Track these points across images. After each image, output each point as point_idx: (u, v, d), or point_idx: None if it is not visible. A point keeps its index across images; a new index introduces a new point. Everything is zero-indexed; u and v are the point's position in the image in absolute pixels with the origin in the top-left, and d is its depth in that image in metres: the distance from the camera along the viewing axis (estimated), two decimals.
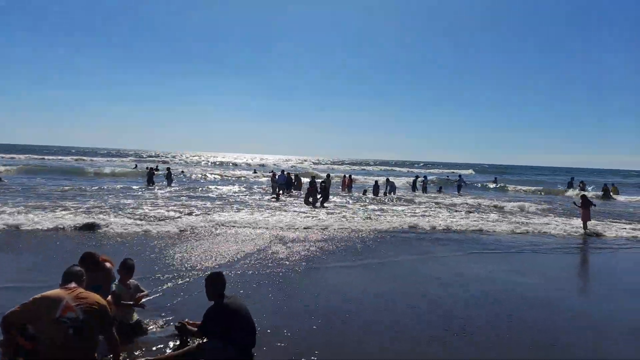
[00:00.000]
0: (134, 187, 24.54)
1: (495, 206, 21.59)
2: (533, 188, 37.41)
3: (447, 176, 47.98)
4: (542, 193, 34.36)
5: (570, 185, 34.87)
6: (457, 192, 29.84)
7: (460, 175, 33.44)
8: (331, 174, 28.55)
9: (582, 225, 14.96)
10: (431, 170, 72.88)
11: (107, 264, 5.25)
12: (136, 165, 42.78)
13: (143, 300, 5.18)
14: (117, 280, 5.06)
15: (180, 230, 11.94)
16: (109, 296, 4.77)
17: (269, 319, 5.77)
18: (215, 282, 4.34)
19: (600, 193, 30.13)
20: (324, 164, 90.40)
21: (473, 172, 75.50)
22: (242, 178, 36.95)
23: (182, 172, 41.45)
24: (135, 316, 5.18)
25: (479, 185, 40.72)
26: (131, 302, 5.00)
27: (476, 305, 6.82)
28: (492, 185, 39.58)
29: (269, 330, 5.38)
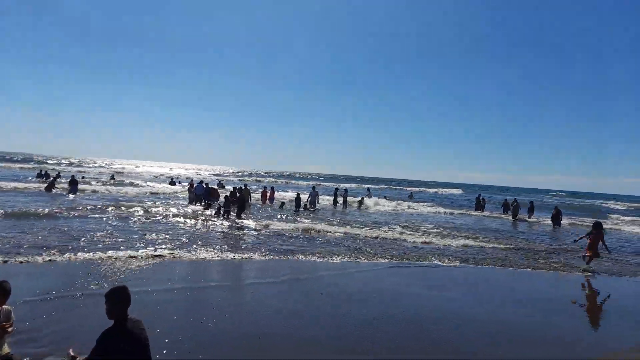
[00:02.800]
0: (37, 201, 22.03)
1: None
2: (447, 210, 33.03)
3: (367, 190, 48.84)
4: (454, 213, 31.32)
5: (477, 203, 36.24)
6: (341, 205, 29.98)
7: (340, 188, 33.52)
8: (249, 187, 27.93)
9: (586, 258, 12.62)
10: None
11: None
12: (45, 174, 36.57)
13: (9, 328, 4.37)
14: None
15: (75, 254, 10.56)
16: None
17: (173, 348, 5.26)
18: (119, 296, 3.62)
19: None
20: (250, 175, 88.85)
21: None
22: (158, 191, 31.87)
23: (83, 177, 37.75)
24: (6, 348, 4.40)
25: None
26: None
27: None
28: (383, 203, 33.57)
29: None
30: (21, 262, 9.02)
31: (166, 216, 17.51)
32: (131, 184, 35.98)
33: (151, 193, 30.10)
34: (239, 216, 18.74)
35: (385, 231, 17.22)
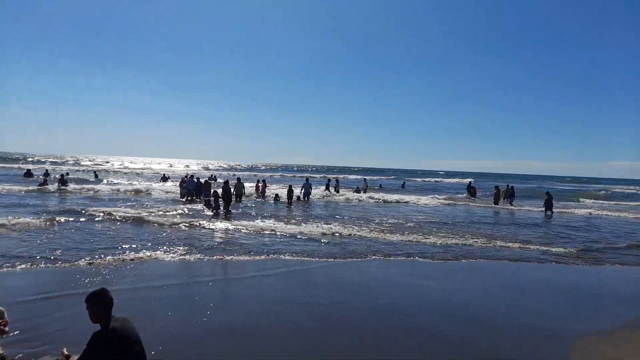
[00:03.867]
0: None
1: None
2: (435, 200, 31.57)
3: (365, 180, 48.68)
4: (439, 204, 29.64)
5: (469, 191, 35.91)
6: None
7: (332, 180, 34.41)
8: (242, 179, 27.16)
9: None
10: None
11: None
12: (29, 172, 37.63)
13: (5, 328, 4.52)
14: None
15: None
16: None
17: (168, 343, 5.49)
18: (99, 300, 3.58)
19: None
20: (243, 170, 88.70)
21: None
22: (147, 187, 29.94)
23: (67, 173, 35.49)
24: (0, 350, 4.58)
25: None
26: None
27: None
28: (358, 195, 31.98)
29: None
30: (17, 267, 9.18)
31: (153, 217, 16.68)
32: (113, 183, 34.20)
33: (140, 190, 28.53)
34: (226, 210, 18.84)
35: (371, 228, 16.13)
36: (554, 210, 25.96)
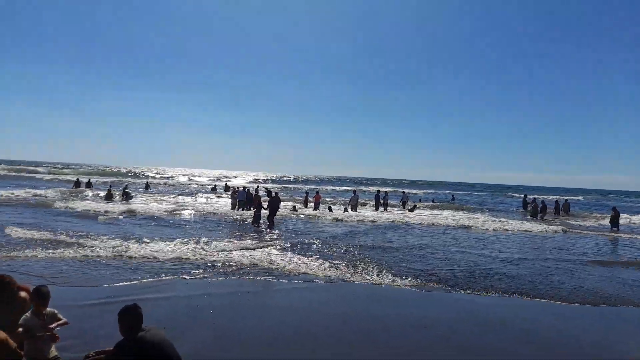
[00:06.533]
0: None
1: None
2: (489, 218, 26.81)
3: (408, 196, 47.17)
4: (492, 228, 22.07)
5: (524, 207, 33.67)
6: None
7: (381, 192, 33.12)
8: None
9: None
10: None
11: (22, 293, 4.61)
12: (78, 182, 37.06)
13: (57, 328, 4.41)
14: (29, 312, 4.36)
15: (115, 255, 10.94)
16: (19, 328, 4.12)
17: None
18: (126, 318, 3.64)
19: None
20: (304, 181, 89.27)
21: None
22: (199, 199, 30.04)
23: (127, 186, 33.63)
24: (54, 351, 4.48)
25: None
26: (42, 334, 4.28)
27: None
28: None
29: None
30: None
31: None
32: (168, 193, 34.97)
33: (187, 204, 26.92)
34: (270, 221, 18.62)
35: None
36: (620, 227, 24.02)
